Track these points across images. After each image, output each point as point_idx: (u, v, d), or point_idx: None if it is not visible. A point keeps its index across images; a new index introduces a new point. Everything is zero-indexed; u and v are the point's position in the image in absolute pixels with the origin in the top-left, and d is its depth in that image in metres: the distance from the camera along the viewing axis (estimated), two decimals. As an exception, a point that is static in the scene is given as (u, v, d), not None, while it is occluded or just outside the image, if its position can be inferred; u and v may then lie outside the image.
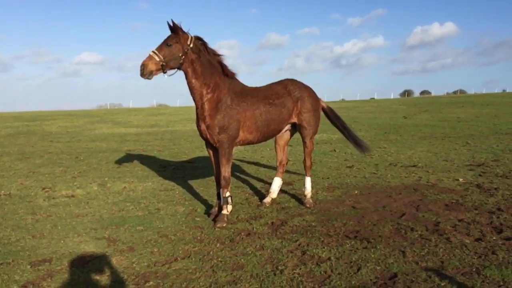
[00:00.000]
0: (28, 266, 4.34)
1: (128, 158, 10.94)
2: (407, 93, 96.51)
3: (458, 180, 7.50)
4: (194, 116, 5.98)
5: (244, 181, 8.14)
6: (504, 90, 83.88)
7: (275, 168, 9.19)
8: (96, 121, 26.18)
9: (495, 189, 6.78)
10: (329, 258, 4.34)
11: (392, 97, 79.32)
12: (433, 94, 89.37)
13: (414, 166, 8.93)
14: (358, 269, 4.05)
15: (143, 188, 7.71)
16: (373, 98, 73.99)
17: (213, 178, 8.28)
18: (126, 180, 8.35)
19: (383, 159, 9.93)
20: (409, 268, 4.03)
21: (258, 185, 7.85)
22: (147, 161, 10.55)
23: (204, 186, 7.79)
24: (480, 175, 7.81)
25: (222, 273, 4.11)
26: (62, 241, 5.06)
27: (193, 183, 8.02)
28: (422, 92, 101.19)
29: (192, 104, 5.77)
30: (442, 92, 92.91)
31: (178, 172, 9.17)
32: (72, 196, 7.24)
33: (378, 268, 4.07)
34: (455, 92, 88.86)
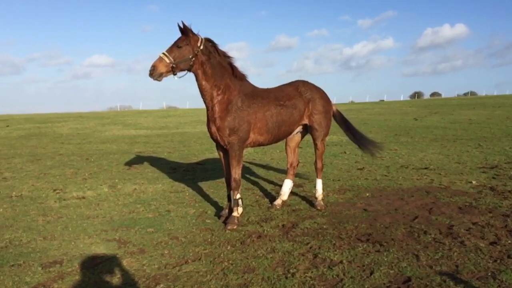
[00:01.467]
0: (39, 268, 4.34)
1: (138, 160, 10.95)
2: (417, 95, 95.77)
3: (471, 182, 7.40)
4: (203, 118, 5.97)
5: (254, 183, 8.10)
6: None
7: (285, 170, 9.14)
8: (107, 123, 26.31)
9: (509, 192, 6.68)
10: (341, 262, 4.29)
11: (402, 99, 78.76)
12: (443, 96, 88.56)
13: (426, 168, 8.83)
14: (371, 273, 4.00)
15: (153, 190, 7.71)
16: (383, 100, 73.48)
17: (223, 180, 8.25)
18: (137, 182, 8.36)
19: (394, 161, 9.84)
20: (423, 272, 3.96)
21: (268, 187, 7.81)
22: (157, 163, 10.56)
23: (214, 188, 7.77)
24: (493, 178, 7.69)
25: (233, 276, 4.08)
26: (73, 243, 5.06)
27: (203, 185, 8.01)
28: (432, 94, 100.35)
29: (202, 106, 5.75)
30: (453, 94, 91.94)
31: (188, 174, 9.16)
32: (83, 197, 7.26)
33: (391, 272, 4.02)
34: (465, 94, 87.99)
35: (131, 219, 5.98)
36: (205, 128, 6.13)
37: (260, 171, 9.30)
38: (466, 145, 11.93)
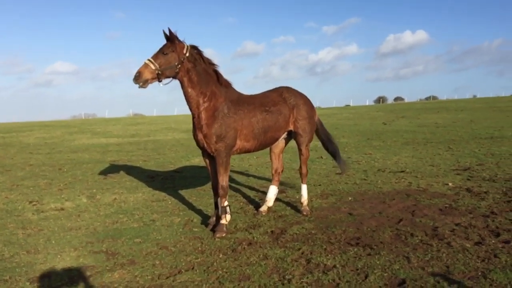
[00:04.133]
0: (27, 283, 4.20)
1: (113, 169, 10.72)
2: (381, 99, 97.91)
3: (447, 184, 7.62)
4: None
5: (236, 190, 8.08)
6: (474, 96, 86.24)
7: (265, 176, 9.19)
8: (74, 131, 25.65)
9: (485, 192, 6.91)
10: (334, 266, 4.33)
11: (367, 103, 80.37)
12: (406, 100, 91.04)
13: (402, 171, 9.04)
14: (366, 276, 4.06)
15: (134, 199, 7.57)
16: (349, 105, 74.77)
17: (204, 187, 8.23)
18: (115, 192, 8.19)
19: (370, 165, 10.02)
20: (416, 274, 4.05)
21: (251, 193, 7.81)
22: (134, 171, 10.38)
23: (196, 195, 7.70)
24: (468, 179, 7.95)
25: (229, 284, 4.05)
26: (58, 256, 4.91)
27: (185, 193, 7.93)
28: (396, 99, 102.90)
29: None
30: (415, 98, 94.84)
31: (168, 182, 9.05)
32: (62, 209, 7.05)
33: (385, 274, 4.08)
34: (427, 98, 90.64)
35: (116, 230, 5.86)
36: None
37: (240, 178, 9.29)
38: (437, 148, 12.30)
